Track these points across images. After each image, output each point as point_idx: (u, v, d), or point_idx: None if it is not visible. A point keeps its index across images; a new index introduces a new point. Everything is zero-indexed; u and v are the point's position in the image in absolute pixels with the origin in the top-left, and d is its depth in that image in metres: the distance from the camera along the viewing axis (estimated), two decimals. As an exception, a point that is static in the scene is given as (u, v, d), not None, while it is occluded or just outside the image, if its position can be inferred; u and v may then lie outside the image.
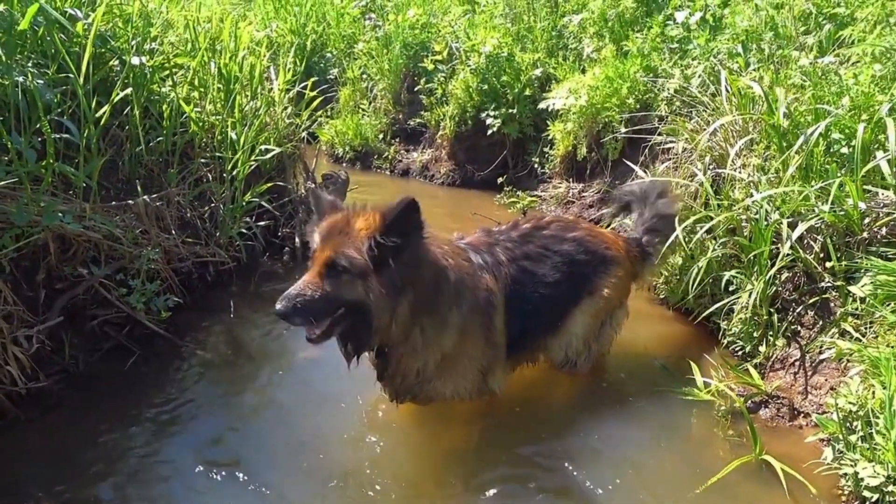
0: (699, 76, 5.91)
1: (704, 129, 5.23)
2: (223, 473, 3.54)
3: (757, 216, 4.44)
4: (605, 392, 4.44)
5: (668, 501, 3.49)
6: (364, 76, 11.28)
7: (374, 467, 3.67)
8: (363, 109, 11.14)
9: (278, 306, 3.17)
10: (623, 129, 7.00)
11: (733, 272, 4.71)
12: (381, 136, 10.79)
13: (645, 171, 6.07)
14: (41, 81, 4.23)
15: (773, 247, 4.39)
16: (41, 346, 4.09)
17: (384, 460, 3.73)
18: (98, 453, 3.66)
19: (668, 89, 6.46)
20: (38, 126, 4.18)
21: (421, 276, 3.39)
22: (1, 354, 3.82)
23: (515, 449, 3.82)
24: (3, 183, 3.98)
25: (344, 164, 10.51)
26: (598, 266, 4.31)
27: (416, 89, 10.20)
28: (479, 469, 3.68)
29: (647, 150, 6.49)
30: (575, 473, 3.66)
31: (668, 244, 4.68)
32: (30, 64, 4.41)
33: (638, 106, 7.07)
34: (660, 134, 6.15)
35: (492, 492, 3.50)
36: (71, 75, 4.34)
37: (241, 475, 3.52)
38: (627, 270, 4.49)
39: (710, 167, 5.28)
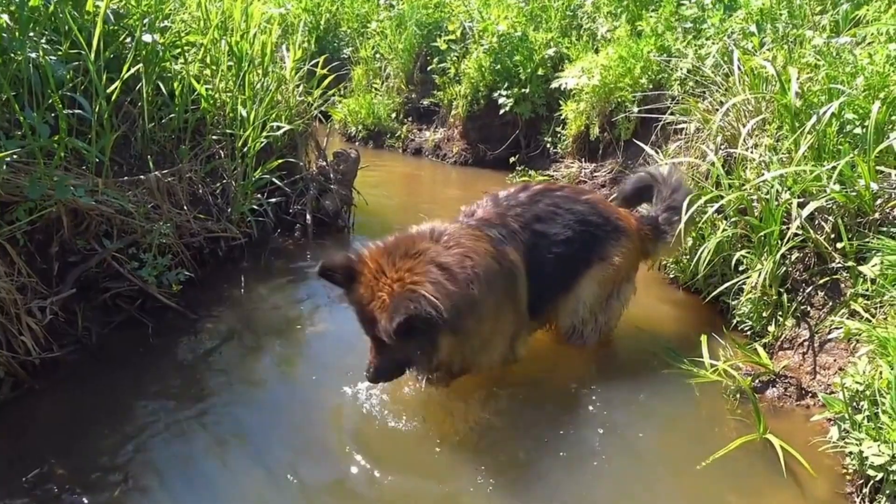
0: (713, 56, 5.87)
1: (717, 110, 5.21)
2: (232, 445, 3.58)
3: (768, 196, 4.42)
4: (612, 370, 4.45)
5: (669, 478, 3.51)
6: (377, 55, 11.27)
7: (384, 441, 3.71)
8: (376, 88, 11.14)
9: (367, 375, 3.68)
10: (636, 109, 6.97)
11: (743, 252, 4.70)
12: (393, 115, 10.79)
13: (657, 151, 6.06)
14: (54, 58, 4.26)
15: (784, 227, 4.37)
16: (55, 318, 4.14)
17: (395, 434, 3.76)
18: (110, 422, 3.71)
19: (682, 69, 6.43)
20: (50, 102, 4.22)
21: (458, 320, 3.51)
22: (15, 325, 3.87)
23: (522, 424, 3.84)
24: (16, 157, 4.03)
25: (356, 143, 10.54)
26: (611, 232, 4.31)
27: (428, 69, 10.19)
28: (493, 445, 3.71)
29: (659, 130, 6.46)
30: (580, 449, 3.69)
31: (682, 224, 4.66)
32: (43, 40, 4.44)
33: (651, 86, 7.04)
34: (672, 114, 6.11)
35: (501, 465, 3.54)
36: (83, 52, 4.36)
37: (250, 447, 3.56)
38: (636, 245, 4.49)
39: (722, 147, 5.26)
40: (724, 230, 4.79)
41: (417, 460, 3.58)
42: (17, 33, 4.15)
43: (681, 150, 5.86)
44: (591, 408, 4.05)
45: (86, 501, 3.15)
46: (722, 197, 4.73)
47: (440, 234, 3.75)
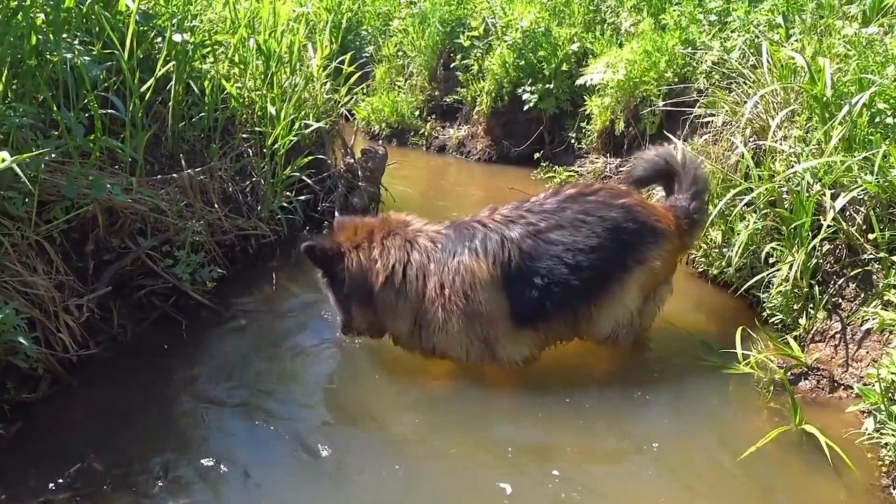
0: (739, 48, 5.83)
1: (745, 102, 5.18)
2: (266, 437, 3.63)
3: (798, 188, 4.40)
4: (644, 363, 4.45)
5: (707, 470, 3.51)
6: (400, 53, 11.29)
7: (414, 438, 3.75)
8: (399, 86, 11.16)
9: None
10: (661, 103, 6.95)
11: (773, 244, 4.67)
12: (417, 112, 10.80)
13: (684, 145, 6.04)
14: (87, 58, 4.33)
15: (815, 218, 4.34)
16: (91, 315, 4.21)
17: (424, 432, 3.80)
18: (147, 418, 3.78)
19: (707, 62, 6.39)
20: (84, 102, 4.29)
21: (348, 290, 4.14)
22: (53, 322, 3.94)
23: (556, 416, 3.87)
24: (53, 157, 4.10)
25: (380, 141, 10.56)
26: (648, 236, 4.19)
27: (452, 66, 10.19)
28: (520, 435, 3.77)
29: (686, 124, 6.43)
30: (613, 443, 3.70)
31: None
32: (76, 41, 4.51)
33: (676, 79, 7.00)
34: (700, 106, 6.09)
35: (532, 455, 3.58)
36: (116, 51, 4.42)
37: (285, 439, 3.60)
38: (676, 245, 4.40)
39: (751, 139, 5.23)
40: (754, 223, 4.77)
41: (464, 442, 3.65)
42: (51, 35, 4.22)
43: (708, 143, 5.84)
44: (623, 401, 4.05)
45: (127, 495, 3.21)
46: (752, 189, 4.71)
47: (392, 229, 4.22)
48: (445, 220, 4.31)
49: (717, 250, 5.33)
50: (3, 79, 3.74)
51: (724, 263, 5.22)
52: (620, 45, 8.06)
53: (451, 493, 3.35)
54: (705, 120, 6.07)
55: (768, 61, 5.17)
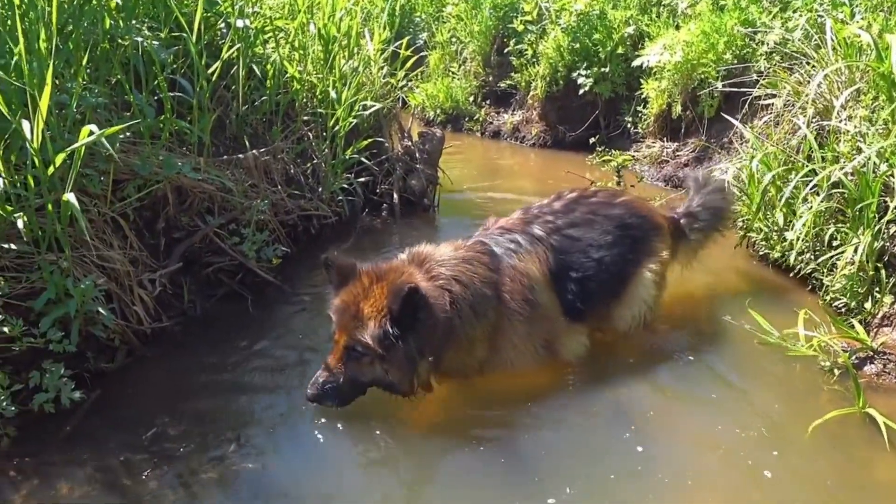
0: (802, 27, 5.74)
1: (808, 82, 5.10)
2: (328, 413, 3.68)
3: (864, 168, 4.33)
4: (706, 345, 4.44)
5: (771, 450, 3.49)
6: (453, 39, 11.35)
7: (470, 408, 3.81)
8: (453, 72, 11.22)
9: (309, 392, 3.49)
10: (720, 85, 6.87)
11: (837, 227, 4.61)
12: (471, 98, 10.86)
13: (744, 127, 5.97)
14: (156, 43, 4.47)
15: (881, 199, 4.27)
16: (163, 290, 4.37)
17: (480, 413, 3.83)
18: (217, 389, 3.91)
19: (768, 42, 6.30)
20: (155, 84, 4.43)
21: (435, 338, 3.51)
22: (128, 295, 4.10)
23: (625, 400, 3.89)
24: (125, 137, 4.26)
25: (434, 127, 10.64)
26: (652, 230, 4.36)
27: (505, 51, 10.22)
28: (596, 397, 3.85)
29: (745, 106, 6.35)
30: (678, 424, 3.72)
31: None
32: (144, 27, 4.66)
33: (735, 61, 6.92)
34: (761, 87, 6.01)
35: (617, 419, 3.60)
36: (185, 34, 4.55)
37: (351, 409, 3.64)
38: (668, 241, 4.51)
39: (814, 120, 5.15)
40: (817, 205, 4.70)
41: (501, 437, 3.63)
42: (122, 20, 4.37)
43: (769, 125, 5.77)
44: (685, 382, 4.06)
45: (201, 456, 3.33)
46: (815, 172, 4.65)
47: (424, 258, 3.78)
48: (459, 240, 4.07)
49: (778, 233, 5.27)
50: (83, 62, 3.87)
51: (785, 246, 5.16)
52: (677, 27, 7.99)
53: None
54: (765, 102, 5.99)
55: (832, 39, 5.08)
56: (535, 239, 4.01)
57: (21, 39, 3.21)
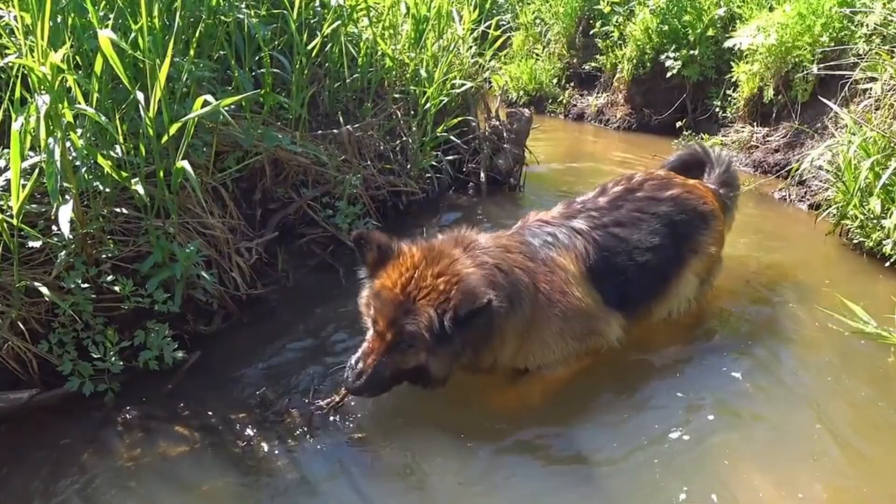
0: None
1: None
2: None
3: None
4: (799, 335, 4.38)
5: (863, 428, 3.44)
6: (538, 21, 11.30)
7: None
8: (537, 54, 11.17)
9: (353, 383, 3.25)
10: (815, 69, 6.67)
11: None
12: (554, 80, 10.80)
13: (843, 111, 5.80)
14: (256, 20, 4.61)
15: None
16: (259, 259, 4.52)
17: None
18: (309, 356, 4.04)
19: (868, 24, 6.08)
20: (257, 59, 4.57)
21: (481, 334, 3.34)
22: (227, 262, 4.27)
23: (707, 391, 3.86)
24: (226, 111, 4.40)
25: (518, 109, 10.64)
26: (699, 223, 4.22)
27: (591, 33, 10.13)
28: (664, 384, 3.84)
29: (844, 89, 6.16)
30: (769, 410, 3.68)
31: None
32: (243, 5, 4.80)
33: (832, 43, 6.70)
34: (860, 70, 5.81)
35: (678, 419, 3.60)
36: (285, 11, 4.68)
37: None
38: (723, 222, 4.44)
39: (920, 104, 4.98)
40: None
41: (550, 420, 3.66)
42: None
43: (869, 110, 5.59)
44: (776, 372, 4.00)
45: (301, 420, 3.48)
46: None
47: (469, 244, 3.58)
48: (500, 230, 4.02)
49: (874, 221, 5.12)
50: (192, 38, 4.02)
51: (882, 234, 5.01)
52: (771, 9, 7.77)
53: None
54: (864, 87, 5.80)
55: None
56: (575, 232, 3.86)
57: (144, 15, 3.36)
